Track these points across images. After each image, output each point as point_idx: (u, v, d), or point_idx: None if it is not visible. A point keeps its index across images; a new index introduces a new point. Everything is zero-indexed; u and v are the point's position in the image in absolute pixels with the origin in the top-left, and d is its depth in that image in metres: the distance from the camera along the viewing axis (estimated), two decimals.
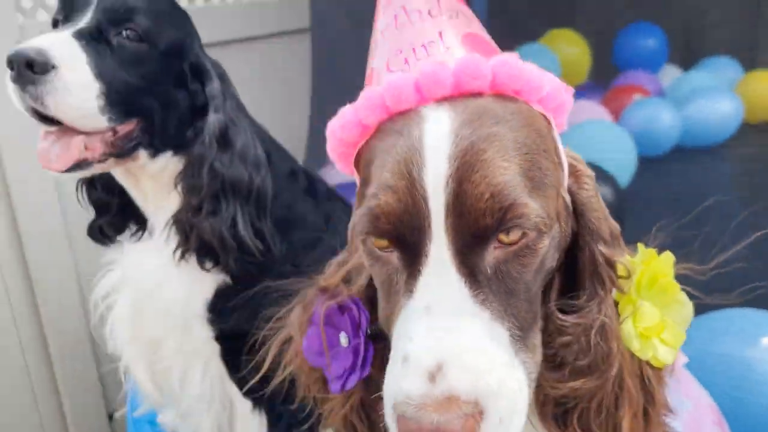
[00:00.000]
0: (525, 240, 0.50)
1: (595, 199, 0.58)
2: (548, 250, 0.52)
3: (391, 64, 0.55)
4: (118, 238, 1.13)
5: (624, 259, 0.57)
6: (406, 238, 0.51)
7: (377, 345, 0.62)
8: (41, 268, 1.47)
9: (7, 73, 0.88)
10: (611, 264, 0.57)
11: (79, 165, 0.95)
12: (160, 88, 0.99)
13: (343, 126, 0.56)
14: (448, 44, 0.54)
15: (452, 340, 0.47)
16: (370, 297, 0.62)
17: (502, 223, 0.49)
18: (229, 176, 1.00)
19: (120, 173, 1.07)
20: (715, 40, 3.96)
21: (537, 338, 0.53)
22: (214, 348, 1.10)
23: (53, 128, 0.94)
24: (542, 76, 0.53)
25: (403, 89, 0.53)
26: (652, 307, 0.57)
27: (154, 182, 1.06)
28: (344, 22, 2.23)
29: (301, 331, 0.67)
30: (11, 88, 0.90)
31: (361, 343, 0.61)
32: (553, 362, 0.56)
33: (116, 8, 0.95)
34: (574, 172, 0.59)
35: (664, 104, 2.95)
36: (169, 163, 1.04)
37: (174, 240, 1.03)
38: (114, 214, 1.12)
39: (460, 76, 0.52)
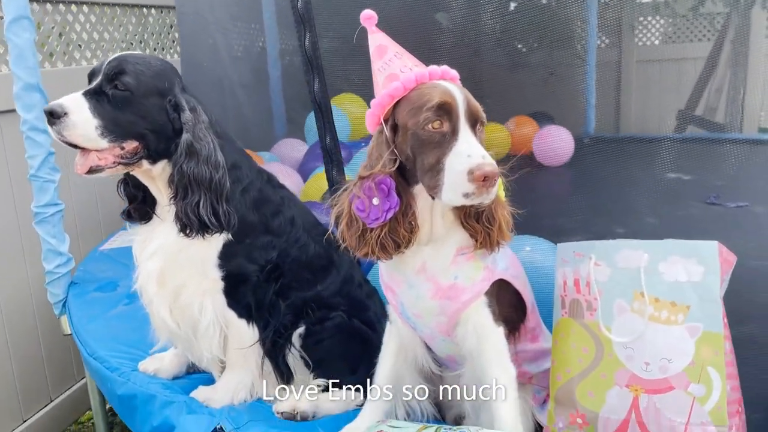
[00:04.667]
0: (483, 127, 1.28)
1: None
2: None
3: (401, 71, 1.31)
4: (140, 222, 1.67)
5: None
6: (451, 121, 1.24)
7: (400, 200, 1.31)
8: None
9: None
10: None
11: (94, 170, 1.51)
12: (148, 119, 1.54)
13: (392, 93, 1.30)
14: (418, 65, 1.34)
15: (481, 150, 1.21)
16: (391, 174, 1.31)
17: (480, 118, 1.27)
18: (193, 174, 1.54)
19: (141, 176, 1.63)
20: None
21: None
22: (221, 285, 1.66)
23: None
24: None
25: (425, 74, 1.30)
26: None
27: (163, 181, 1.61)
28: None
29: (350, 199, 1.33)
30: (49, 128, 1.47)
31: (393, 195, 1.30)
32: None
33: (111, 73, 1.52)
34: None
35: None
36: (166, 168, 1.60)
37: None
38: (139, 203, 1.66)
39: (444, 73, 1.33)
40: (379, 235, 1.32)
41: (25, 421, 2.66)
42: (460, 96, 1.27)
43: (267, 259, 1.69)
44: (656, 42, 7.05)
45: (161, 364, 1.85)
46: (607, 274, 1.39)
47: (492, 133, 5.20)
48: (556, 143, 5.19)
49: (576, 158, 5.19)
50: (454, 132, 1.25)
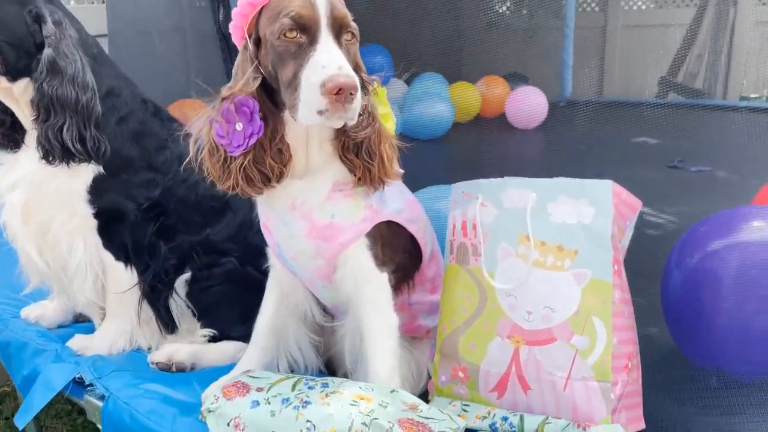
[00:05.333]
0: (354, 38, 1.13)
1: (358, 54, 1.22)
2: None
3: None
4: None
5: (373, 82, 1.23)
6: (309, 29, 1.08)
7: (265, 125, 1.17)
8: None
9: None
10: (369, 82, 1.22)
11: None
12: (2, 29, 1.38)
13: (252, 1, 1.14)
14: None
15: (339, 60, 1.06)
16: (257, 94, 1.17)
17: (348, 26, 1.11)
18: (56, 95, 1.39)
19: (2, 97, 1.48)
20: (426, 59, 5.16)
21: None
22: (93, 223, 1.52)
23: None
24: None
25: None
26: (384, 108, 1.24)
27: (26, 102, 1.46)
28: None
29: (210, 126, 1.19)
30: None
31: (256, 119, 1.15)
32: (352, 125, 1.17)
33: None
34: None
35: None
36: (28, 87, 1.44)
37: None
38: (8, 128, 1.51)
39: None
40: (242, 165, 1.18)
41: None
42: (321, 0, 1.12)
43: (148, 197, 1.56)
44: (643, 7, 6.86)
45: (44, 311, 1.72)
46: (493, 216, 1.26)
47: (463, 93, 5.07)
48: (529, 105, 5.07)
49: (549, 121, 5.07)
50: (312, 42, 1.10)
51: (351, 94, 1.05)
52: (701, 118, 4.98)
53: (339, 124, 1.12)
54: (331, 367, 1.56)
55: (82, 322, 1.77)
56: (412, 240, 1.41)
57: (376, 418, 1.07)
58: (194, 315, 1.62)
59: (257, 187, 1.20)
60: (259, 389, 1.18)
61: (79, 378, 1.43)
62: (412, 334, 1.52)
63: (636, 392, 1.24)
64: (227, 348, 1.59)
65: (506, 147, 4.80)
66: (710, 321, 1.31)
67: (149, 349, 1.61)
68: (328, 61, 1.06)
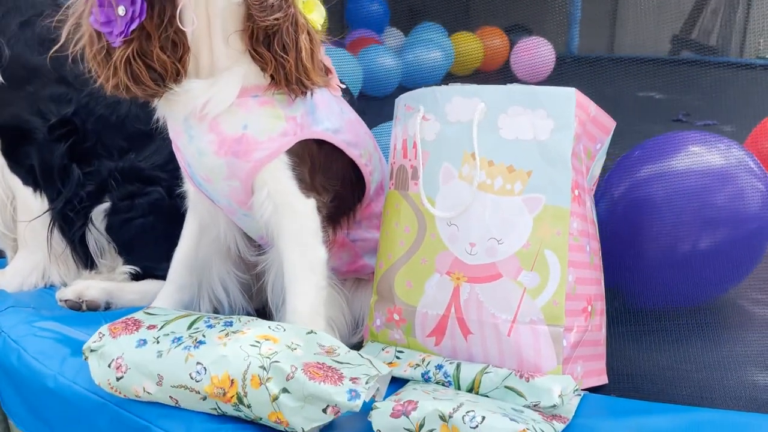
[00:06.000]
0: None
1: None
2: None
3: None
4: None
5: None
6: None
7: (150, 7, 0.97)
8: None
9: None
10: None
11: None
12: None
13: None
14: None
15: None
16: None
17: None
18: None
19: None
20: (425, 9, 4.91)
21: None
22: None
23: None
24: None
25: None
26: None
27: None
28: None
29: (87, 10, 0.99)
30: None
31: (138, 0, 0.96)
32: (260, 5, 0.98)
33: None
34: None
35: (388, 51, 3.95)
36: None
37: None
38: None
39: None
40: (124, 57, 0.98)
41: None
42: None
43: (60, 114, 1.37)
44: None
45: None
46: (435, 131, 1.06)
47: (464, 44, 4.83)
48: (536, 55, 4.83)
49: (554, 75, 4.83)
50: None
51: None
52: (712, 75, 4.73)
53: None
54: (267, 312, 1.39)
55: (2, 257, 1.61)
56: (354, 168, 1.23)
57: (276, 362, 0.89)
58: (116, 250, 1.45)
59: (146, 86, 1.00)
60: (151, 327, 1.01)
61: None
62: (356, 275, 1.34)
63: (598, 342, 1.05)
64: (149, 287, 1.41)
65: None
66: (636, 253, 1.15)
67: (64, 286, 1.45)
68: None
